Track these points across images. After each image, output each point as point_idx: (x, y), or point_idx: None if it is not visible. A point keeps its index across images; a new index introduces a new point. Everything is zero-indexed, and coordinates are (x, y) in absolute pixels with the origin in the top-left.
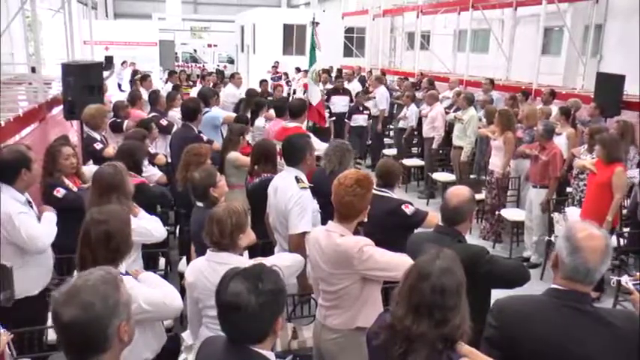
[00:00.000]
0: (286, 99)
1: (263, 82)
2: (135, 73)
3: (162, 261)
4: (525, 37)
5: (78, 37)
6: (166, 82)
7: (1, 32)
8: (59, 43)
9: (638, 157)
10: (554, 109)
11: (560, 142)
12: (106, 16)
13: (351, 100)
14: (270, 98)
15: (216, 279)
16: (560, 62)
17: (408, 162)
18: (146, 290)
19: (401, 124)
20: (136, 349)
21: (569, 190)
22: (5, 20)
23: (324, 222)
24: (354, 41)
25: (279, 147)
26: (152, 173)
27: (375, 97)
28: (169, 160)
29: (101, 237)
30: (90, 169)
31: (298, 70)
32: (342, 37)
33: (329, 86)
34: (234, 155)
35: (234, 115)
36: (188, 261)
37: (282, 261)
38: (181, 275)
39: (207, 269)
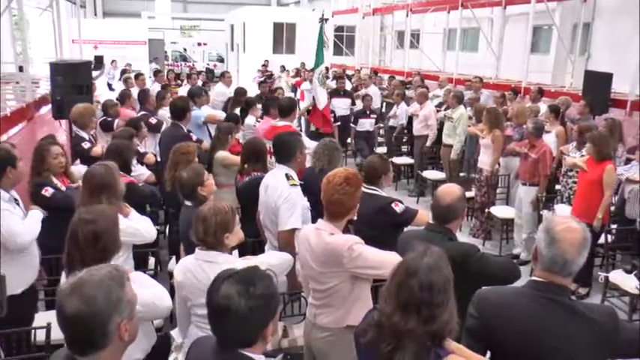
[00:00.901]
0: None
1: (263, 83)
2: (124, 72)
3: (152, 261)
4: (514, 35)
5: (66, 35)
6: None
7: None
8: (47, 41)
9: (626, 154)
10: (543, 107)
11: (550, 139)
12: (95, 14)
13: (353, 103)
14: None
15: (204, 277)
16: (549, 60)
17: (397, 160)
18: (136, 290)
19: (391, 123)
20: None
21: (558, 187)
22: None
23: (314, 220)
24: (344, 40)
25: (269, 146)
26: (141, 172)
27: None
28: (159, 159)
29: (89, 237)
30: (78, 168)
31: (283, 68)
32: (332, 36)
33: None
34: (222, 154)
35: (219, 113)
36: (177, 260)
37: (271, 259)
38: (171, 275)
39: (195, 268)
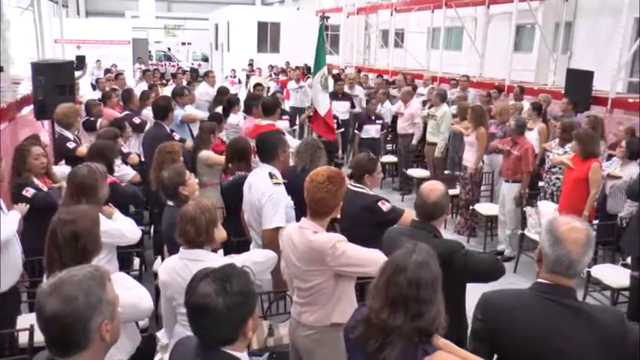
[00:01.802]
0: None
1: (258, 85)
2: (107, 71)
3: (136, 261)
4: (498, 34)
5: (48, 35)
6: (140, 81)
7: None
8: (29, 41)
9: (607, 151)
10: (526, 104)
11: (532, 137)
12: (78, 14)
13: (353, 106)
14: None
15: (189, 276)
16: (532, 59)
17: (382, 158)
18: (117, 291)
19: None
20: None
21: (541, 184)
22: None
23: (298, 219)
24: (328, 39)
25: (253, 145)
26: (126, 172)
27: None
28: (142, 159)
29: (68, 237)
30: (62, 169)
31: (251, 66)
32: (316, 35)
33: (302, 84)
34: (206, 154)
35: (197, 113)
36: (162, 260)
37: (255, 257)
38: (156, 275)
39: (180, 267)
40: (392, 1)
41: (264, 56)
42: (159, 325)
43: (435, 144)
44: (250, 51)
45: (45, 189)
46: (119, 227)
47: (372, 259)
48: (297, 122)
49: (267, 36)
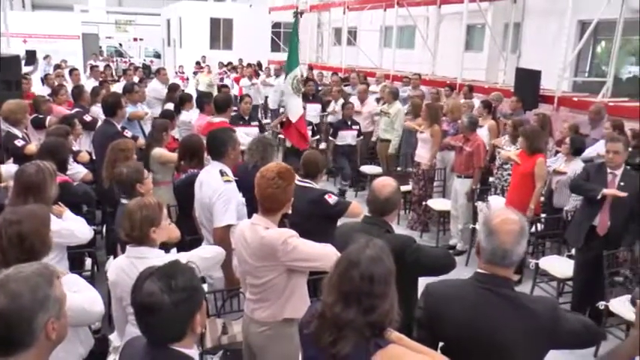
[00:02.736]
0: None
1: (224, 87)
2: (57, 67)
3: (88, 261)
4: (449, 33)
5: None
6: (89, 78)
7: None
8: None
9: (555, 147)
10: (476, 102)
11: (482, 133)
12: (23, 6)
13: (324, 109)
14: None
15: (136, 275)
16: (483, 58)
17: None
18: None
19: (330, 119)
20: (54, 357)
21: (491, 179)
22: None
23: (250, 216)
24: (281, 36)
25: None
26: (77, 171)
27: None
28: (94, 158)
29: (13, 238)
30: (9, 167)
31: (199, 64)
32: (269, 32)
33: (255, 81)
34: (159, 151)
35: (143, 111)
36: None
37: (202, 253)
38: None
39: (127, 266)
40: (344, 0)
41: (217, 53)
42: (111, 326)
43: (388, 141)
44: (203, 47)
45: None
46: (70, 227)
47: (322, 253)
48: (269, 127)
49: (220, 32)
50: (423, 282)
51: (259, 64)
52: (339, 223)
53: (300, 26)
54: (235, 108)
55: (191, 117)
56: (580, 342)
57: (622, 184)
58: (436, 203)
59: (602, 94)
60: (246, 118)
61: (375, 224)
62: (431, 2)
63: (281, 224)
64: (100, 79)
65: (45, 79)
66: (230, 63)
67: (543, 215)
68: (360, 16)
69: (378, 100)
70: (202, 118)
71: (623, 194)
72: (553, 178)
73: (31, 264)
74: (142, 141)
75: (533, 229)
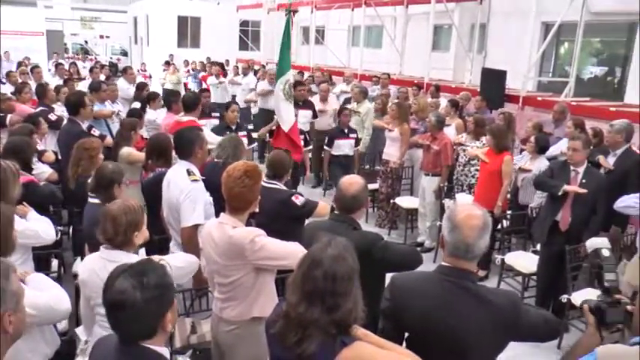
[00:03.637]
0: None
1: (204, 91)
2: (20, 65)
3: (55, 263)
4: (417, 33)
5: None
6: (54, 76)
7: None
8: None
9: (520, 145)
10: (444, 101)
11: (450, 132)
12: None
13: (315, 115)
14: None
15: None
16: (450, 58)
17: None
18: (31, 293)
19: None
20: (19, 356)
21: (455, 176)
22: None
23: (217, 215)
24: (249, 35)
25: None
26: (42, 171)
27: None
28: (59, 157)
29: None
30: None
31: (167, 63)
32: (237, 31)
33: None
34: (127, 150)
35: (109, 110)
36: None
37: (176, 262)
38: (76, 276)
39: (99, 266)
40: None
41: (185, 51)
42: (78, 326)
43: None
44: (170, 46)
45: None
46: (34, 227)
47: (290, 252)
48: (257, 135)
49: (188, 30)
50: (389, 275)
51: (224, 64)
52: (307, 221)
53: (267, 25)
54: (218, 115)
55: (157, 115)
56: (540, 335)
57: (584, 181)
58: (404, 201)
59: (565, 94)
60: (233, 127)
61: (343, 222)
62: (398, 2)
63: (247, 225)
64: (65, 77)
65: (7, 77)
66: (194, 62)
67: (509, 212)
68: (328, 15)
69: (348, 100)
70: (170, 116)
71: (584, 191)
72: (519, 175)
73: None
74: (109, 140)
75: (499, 226)
